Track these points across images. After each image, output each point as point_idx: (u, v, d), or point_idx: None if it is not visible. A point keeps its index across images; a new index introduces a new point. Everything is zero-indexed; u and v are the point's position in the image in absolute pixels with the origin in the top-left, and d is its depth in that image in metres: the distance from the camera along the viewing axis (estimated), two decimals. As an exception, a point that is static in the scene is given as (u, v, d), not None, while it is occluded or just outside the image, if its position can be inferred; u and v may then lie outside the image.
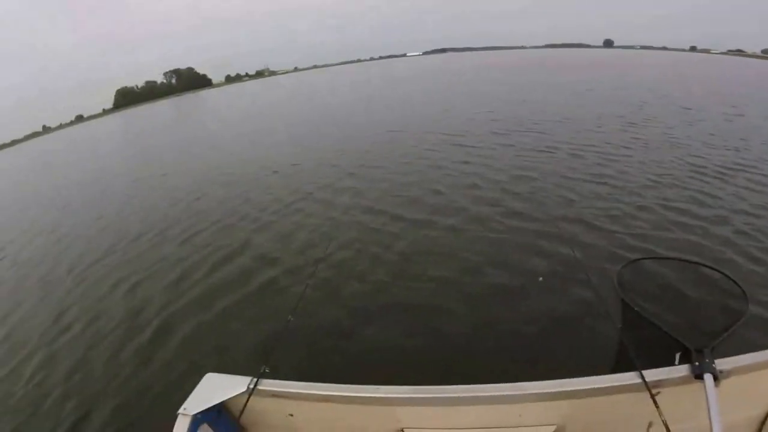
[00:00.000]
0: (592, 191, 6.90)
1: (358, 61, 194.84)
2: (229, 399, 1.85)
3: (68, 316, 5.17)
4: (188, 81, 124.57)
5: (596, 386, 1.68)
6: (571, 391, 1.69)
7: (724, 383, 1.60)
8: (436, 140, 11.68)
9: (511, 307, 4.13)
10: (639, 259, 2.44)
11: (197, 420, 1.75)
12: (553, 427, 1.77)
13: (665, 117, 13.05)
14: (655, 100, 16.46)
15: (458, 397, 1.73)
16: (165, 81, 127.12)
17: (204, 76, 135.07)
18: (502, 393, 1.70)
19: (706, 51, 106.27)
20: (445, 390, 1.74)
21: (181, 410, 1.77)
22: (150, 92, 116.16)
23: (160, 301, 5.10)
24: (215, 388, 1.88)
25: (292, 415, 1.94)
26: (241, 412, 1.83)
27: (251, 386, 1.85)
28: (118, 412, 3.48)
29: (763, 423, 1.87)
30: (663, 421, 1.50)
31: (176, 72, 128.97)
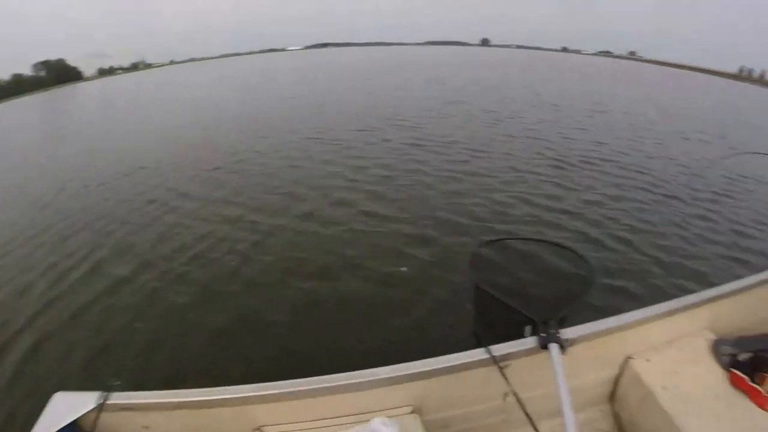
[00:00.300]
0: (452, 186, 7.21)
1: (237, 54, 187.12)
2: (80, 418, 1.75)
3: None
4: (59, 74, 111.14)
5: (448, 365, 1.77)
6: (424, 372, 1.76)
7: (571, 351, 1.73)
8: (300, 138, 11.35)
9: (370, 302, 4.21)
10: (491, 242, 2.43)
11: None
12: (410, 408, 1.84)
13: (533, 113, 14.12)
14: (527, 98, 17.66)
15: (312, 389, 1.74)
16: (34, 74, 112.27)
17: (75, 68, 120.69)
18: (356, 380, 1.74)
19: (577, 51, 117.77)
20: (298, 383, 1.74)
21: None
22: (17, 87, 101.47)
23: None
24: (64, 408, 1.76)
25: (147, 427, 1.85)
26: (92, 430, 1.78)
27: (101, 401, 1.74)
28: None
29: (616, 383, 2.11)
30: (513, 391, 1.65)
31: (46, 64, 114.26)
